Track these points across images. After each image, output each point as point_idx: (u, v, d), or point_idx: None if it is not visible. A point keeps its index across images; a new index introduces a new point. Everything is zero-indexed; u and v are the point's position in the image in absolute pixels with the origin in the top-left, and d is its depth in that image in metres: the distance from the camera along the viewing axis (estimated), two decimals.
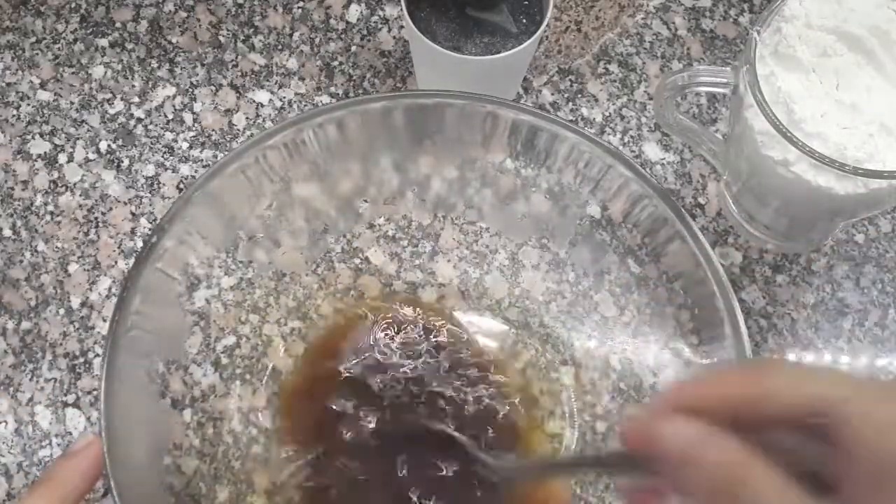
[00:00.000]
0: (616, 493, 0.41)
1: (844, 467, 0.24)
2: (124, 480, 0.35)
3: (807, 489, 0.24)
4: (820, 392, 0.25)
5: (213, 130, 0.54)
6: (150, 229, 0.51)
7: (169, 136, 0.53)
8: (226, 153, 0.52)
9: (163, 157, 0.53)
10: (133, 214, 0.52)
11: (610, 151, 0.41)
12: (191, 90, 0.54)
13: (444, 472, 0.42)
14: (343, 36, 0.56)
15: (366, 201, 0.47)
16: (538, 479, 0.43)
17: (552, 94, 0.54)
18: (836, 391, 0.24)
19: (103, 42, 0.56)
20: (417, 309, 0.47)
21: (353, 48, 0.55)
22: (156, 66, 0.55)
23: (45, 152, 0.53)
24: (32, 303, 0.50)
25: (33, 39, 0.56)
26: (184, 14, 0.56)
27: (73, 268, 0.50)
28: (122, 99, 0.54)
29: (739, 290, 0.50)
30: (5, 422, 0.47)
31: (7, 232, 0.51)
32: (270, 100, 0.54)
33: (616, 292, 0.45)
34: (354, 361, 0.45)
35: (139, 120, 0.54)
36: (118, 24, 0.56)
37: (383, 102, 0.42)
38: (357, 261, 0.48)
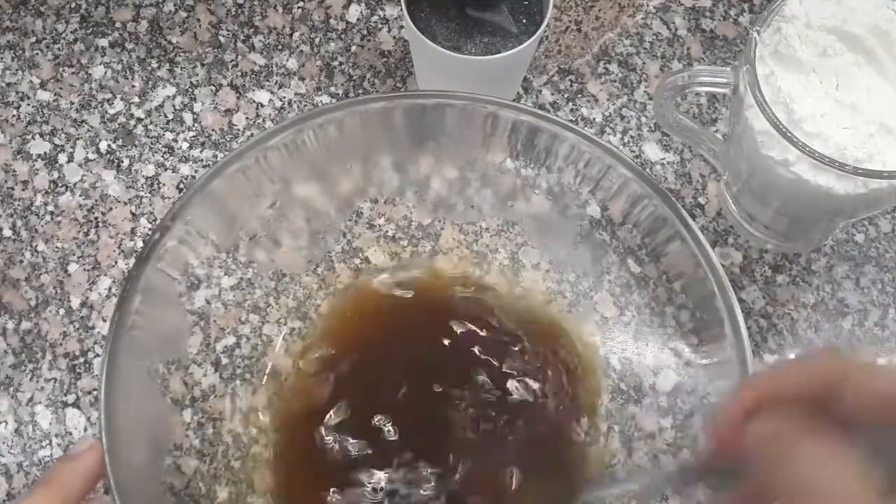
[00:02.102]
0: None
1: None
2: (124, 480, 0.35)
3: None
4: None
5: (213, 130, 0.54)
6: (150, 229, 0.51)
7: (169, 136, 0.53)
8: (226, 153, 0.52)
9: (163, 157, 0.53)
10: (133, 214, 0.52)
11: (610, 152, 0.41)
12: (191, 90, 0.54)
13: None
14: (343, 36, 0.56)
15: (366, 201, 0.47)
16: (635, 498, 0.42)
17: (552, 94, 0.54)
18: None
19: (103, 42, 0.56)
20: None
21: (353, 48, 0.55)
22: (156, 66, 0.55)
23: (45, 152, 0.53)
24: (32, 303, 0.50)
25: (33, 39, 0.56)
26: (184, 14, 0.56)
27: (73, 268, 0.50)
28: (122, 99, 0.54)
29: (739, 290, 0.50)
30: (5, 422, 0.47)
31: (7, 232, 0.51)
32: (270, 100, 0.54)
33: (616, 292, 0.45)
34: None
35: (139, 120, 0.54)
36: (118, 24, 0.56)
37: (383, 103, 0.42)
38: (357, 261, 0.48)
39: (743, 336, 0.37)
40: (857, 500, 0.23)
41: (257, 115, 0.54)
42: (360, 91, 0.54)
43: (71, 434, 0.47)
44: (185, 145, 0.53)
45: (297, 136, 0.41)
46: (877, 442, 0.24)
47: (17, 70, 0.55)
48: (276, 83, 0.55)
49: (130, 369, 0.38)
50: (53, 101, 0.54)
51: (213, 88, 0.54)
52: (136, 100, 0.54)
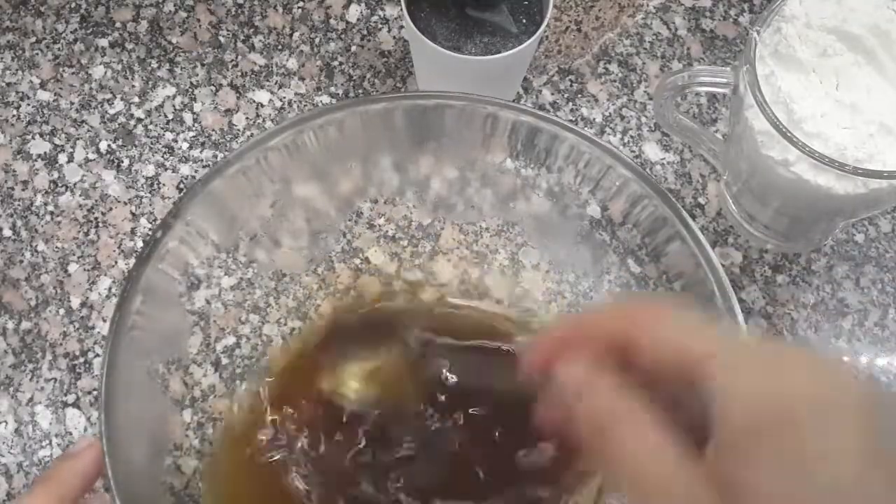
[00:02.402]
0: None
1: (712, 424, 0.24)
2: (124, 480, 0.35)
3: (689, 442, 0.24)
4: (688, 345, 0.25)
5: (213, 130, 0.54)
6: (150, 229, 0.51)
7: (169, 136, 0.53)
8: (226, 153, 0.52)
9: (163, 157, 0.53)
10: (133, 214, 0.52)
11: (610, 152, 0.41)
12: (191, 90, 0.54)
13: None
14: (343, 36, 0.56)
15: (366, 201, 0.47)
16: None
17: (552, 94, 0.54)
18: (703, 346, 0.25)
19: (103, 42, 0.56)
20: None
21: (353, 48, 0.55)
22: (156, 66, 0.55)
23: (45, 152, 0.53)
24: (32, 303, 0.50)
25: (33, 39, 0.56)
26: (184, 14, 0.56)
27: (73, 268, 0.50)
28: (122, 99, 0.54)
29: (739, 290, 0.50)
30: (5, 422, 0.47)
31: (7, 232, 0.51)
32: (270, 100, 0.54)
33: (616, 292, 0.45)
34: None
35: (139, 120, 0.54)
36: (118, 24, 0.56)
37: (384, 104, 0.42)
38: (357, 261, 0.48)
39: None
40: (660, 469, 0.24)
41: (257, 115, 0.54)
42: (360, 91, 0.54)
43: (71, 434, 0.47)
44: (185, 145, 0.53)
45: (297, 136, 0.41)
46: (675, 397, 0.25)
47: (17, 70, 0.55)
48: (276, 83, 0.55)
49: (130, 369, 0.38)
50: (53, 101, 0.54)
51: (213, 88, 0.54)
52: (136, 100, 0.54)
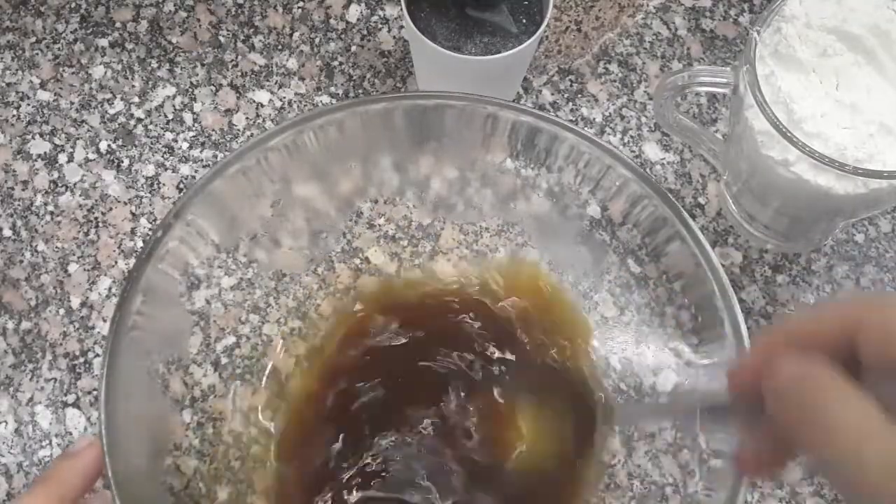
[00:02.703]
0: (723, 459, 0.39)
1: None
2: (124, 480, 0.35)
3: None
4: None
5: (213, 130, 0.54)
6: (150, 229, 0.51)
7: (169, 136, 0.53)
8: (226, 153, 0.52)
9: (163, 157, 0.53)
10: (133, 214, 0.52)
11: (609, 152, 0.41)
12: (191, 90, 0.54)
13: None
14: (343, 36, 0.56)
15: (366, 201, 0.47)
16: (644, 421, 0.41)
17: (552, 94, 0.54)
18: None
19: (103, 42, 0.56)
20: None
21: (353, 48, 0.55)
22: (156, 66, 0.55)
23: (45, 152, 0.53)
24: (32, 303, 0.50)
25: (33, 39, 0.56)
26: (184, 14, 0.56)
27: (73, 268, 0.50)
28: (122, 99, 0.54)
29: (739, 290, 0.50)
30: (5, 422, 0.47)
31: (7, 232, 0.51)
32: (270, 100, 0.54)
33: (616, 292, 0.45)
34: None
35: (139, 120, 0.54)
36: (118, 24, 0.56)
37: (384, 104, 0.42)
38: (357, 261, 0.48)
39: (743, 336, 0.37)
40: (875, 434, 0.22)
41: (257, 115, 0.54)
42: (360, 91, 0.54)
43: (71, 434, 0.47)
44: (185, 145, 0.53)
45: (297, 136, 0.42)
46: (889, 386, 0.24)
47: (17, 70, 0.55)
48: (276, 83, 0.55)
49: (130, 369, 0.38)
50: (53, 101, 0.54)
51: (213, 88, 0.54)
52: (136, 100, 0.54)
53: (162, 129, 0.54)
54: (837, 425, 0.23)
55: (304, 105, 0.54)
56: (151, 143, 0.53)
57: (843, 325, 0.25)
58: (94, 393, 0.48)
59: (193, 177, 0.53)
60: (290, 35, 0.56)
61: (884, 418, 0.23)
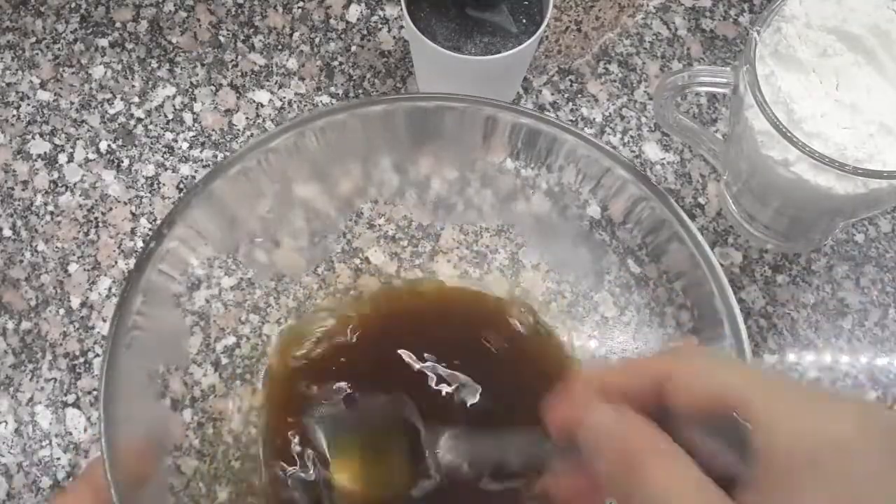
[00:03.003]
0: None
1: (752, 465, 0.23)
2: (124, 481, 0.35)
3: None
4: (730, 383, 0.25)
5: (213, 130, 0.54)
6: (150, 229, 0.51)
7: (169, 136, 0.53)
8: (226, 153, 0.52)
9: (163, 157, 0.53)
10: (133, 214, 0.52)
11: (609, 154, 0.41)
12: (191, 90, 0.54)
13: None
14: (343, 36, 0.56)
15: (366, 202, 0.47)
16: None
17: (552, 94, 0.54)
18: (745, 384, 0.24)
19: (103, 42, 0.56)
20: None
21: (353, 48, 0.55)
22: (156, 66, 0.55)
23: (45, 152, 0.53)
24: (32, 303, 0.50)
25: (33, 39, 0.56)
26: (184, 14, 0.56)
27: (73, 268, 0.50)
28: (122, 99, 0.54)
29: (739, 290, 0.50)
30: (5, 422, 0.47)
31: (7, 232, 0.51)
32: (270, 100, 0.54)
33: (616, 292, 0.45)
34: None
35: (139, 120, 0.54)
36: (118, 24, 0.56)
37: (384, 105, 0.42)
38: (357, 261, 0.48)
39: (743, 336, 0.37)
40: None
41: (257, 115, 0.54)
42: (360, 91, 0.54)
43: (71, 434, 0.47)
44: (185, 145, 0.53)
45: (298, 137, 0.42)
46: (707, 440, 0.25)
47: (17, 70, 0.55)
48: (276, 83, 0.55)
49: (130, 369, 0.38)
50: (53, 101, 0.54)
51: (213, 88, 0.54)
52: (136, 100, 0.54)
53: (162, 129, 0.54)
54: (651, 481, 0.24)
55: (304, 105, 0.54)
56: (151, 143, 0.53)
57: (654, 376, 0.26)
58: (94, 393, 0.48)
59: (193, 177, 0.53)
60: (290, 35, 0.56)
61: (698, 477, 0.23)
